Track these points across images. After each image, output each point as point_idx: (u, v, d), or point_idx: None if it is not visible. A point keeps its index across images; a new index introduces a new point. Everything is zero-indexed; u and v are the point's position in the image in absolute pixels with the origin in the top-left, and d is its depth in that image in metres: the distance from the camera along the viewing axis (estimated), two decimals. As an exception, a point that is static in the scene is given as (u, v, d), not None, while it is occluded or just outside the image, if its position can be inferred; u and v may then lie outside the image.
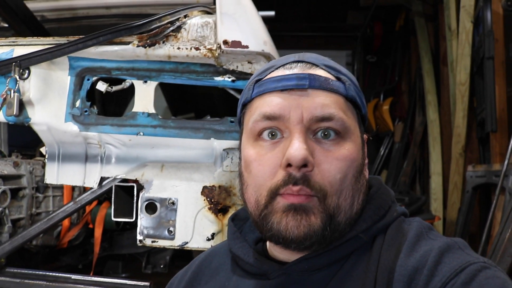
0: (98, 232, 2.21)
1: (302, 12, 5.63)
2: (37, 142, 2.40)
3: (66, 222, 2.21)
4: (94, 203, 2.26)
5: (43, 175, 2.01)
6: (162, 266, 2.35)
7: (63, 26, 2.40)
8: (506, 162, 2.98)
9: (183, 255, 2.84)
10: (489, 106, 3.35)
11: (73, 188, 2.23)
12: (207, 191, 1.52)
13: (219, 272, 0.84)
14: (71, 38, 1.52)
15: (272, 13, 1.64)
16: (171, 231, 1.53)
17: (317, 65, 0.76)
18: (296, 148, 0.69)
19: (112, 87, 1.57)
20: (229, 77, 1.53)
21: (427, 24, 4.73)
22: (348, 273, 0.73)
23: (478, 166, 3.62)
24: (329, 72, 0.76)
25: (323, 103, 0.72)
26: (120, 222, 2.26)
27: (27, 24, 2.09)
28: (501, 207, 3.04)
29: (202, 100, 3.11)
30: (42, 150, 2.31)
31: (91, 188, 1.65)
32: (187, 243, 1.52)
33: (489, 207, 3.15)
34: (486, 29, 3.38)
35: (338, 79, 0.76)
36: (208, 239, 1.51)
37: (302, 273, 0.74)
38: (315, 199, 0.70)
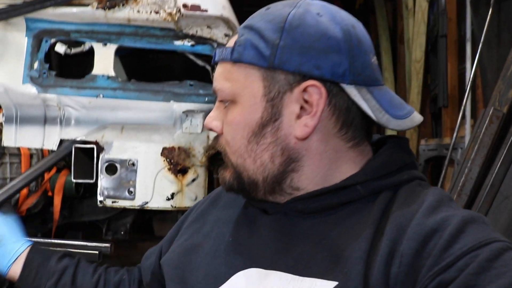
0: (57, 200, 2.21)
1: (264, -11, 5.66)
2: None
3: (24, 190, 2.20)
4: (53, 170, 2.26)
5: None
6: (122, 233, 2.37)
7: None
8: (455, 135, 3.13)
9: (143, 223, 2.88)
10: (442, 82, 3.49)
11: (31, 155, 2.21)
12: (166, 152, 1.56)
13: (233, 205, 0.89)
14: (28, -1, 1.51)
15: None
16: (131, 192, 1.57)
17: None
18: (207, 116, 0.82)
19: (71, 49, 1.57)
20: (188, 41, 1.56)
21: (386, 3, 4.85)
22: (341, 220, 0.74)
23: (430, 140, 3.79)
24: (238, 36, 0.78)
25: (215, 77, 0.80)
26: (80, 189, 2.26)
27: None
28: (449, 178, 3.21)
29: (163, 73, 3.11)
30: (-2, 117, 2.27)
31: (50, 154, 1.66)
32: (147, 203, 1.56)
33: (439, 178, 3.32)
34: (440, 8, 3.51)
35: (236, 42, 0.78)
36: (168, 199, 1.56)
37: (297, 214, 0.77)
38: (226, 156, 0.80)
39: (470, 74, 3.02)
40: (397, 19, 4.63)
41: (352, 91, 0.74)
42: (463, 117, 3.05)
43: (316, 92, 0.74)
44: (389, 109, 0.76)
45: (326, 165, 0.77)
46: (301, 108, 0.75)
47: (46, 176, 2.27)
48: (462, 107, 3.03)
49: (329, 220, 0.75)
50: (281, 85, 0.75)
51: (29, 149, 2.15)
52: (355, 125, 0.77)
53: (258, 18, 0.78)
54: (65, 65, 1.68)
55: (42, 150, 2.21)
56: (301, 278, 0.71)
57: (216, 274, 0.79)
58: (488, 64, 3.07)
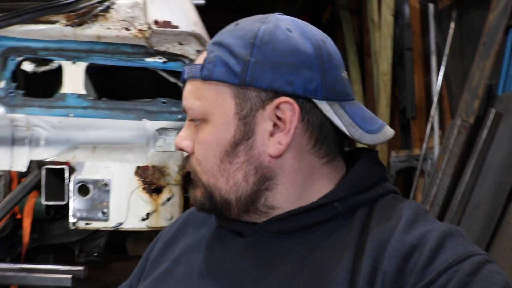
0: (27, 223, 2.14)
1: (231, 4, 5.70)
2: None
3: (-10, 213, 2.12)
4: (21, 192, 2.19)
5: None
6: (96, 255, 2.31)
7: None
8: (424, 146, 3.20)
9: (117, 243, 2.81)
10: (409, 94, 3.56)
11: (-3, 177, 2.14)
12: (140, 172, 1.53)
13: (204, 226, 0.86)
14: (-7, 17, 1.47)
15: (202, 1, 1.66)
16: (105, 213, 1.52)
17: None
18: (177, 136, 0.80)
19: (39, 68, 1.53)
20: (160, 59, 1.55)
21: (352, 17, 4.95)
22: (320, 240, 0.73)
23: (400, 151, 3.86)
24: (208, 53, 0.76)
25: (184, 95, 0.78)
26: (51, 211, 2.20)
27: None
28: (421, 189, 3.27)
29: (132, 91, 3.08)
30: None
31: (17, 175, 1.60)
32: (121, 224, 1.52)
33: (411, 190, 3.37)
34: (405, 22, 3.60)
35: (205, 60, 0.76)
36: (143, 219, 1.53)
37: (273, 235, 0.75)
38: (197, 176, 0.78)
39: (436, 85, 3.10)
40: (363, 33, 4.73)
41: (325, 107, 0.73)
42: (432, 128, 3.12)
43: (289, 109, 0.72)
44: (362, 123, 0.75)
45: (301, 183, 0.76)
46: (274, 125, 0.73)
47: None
48: (430, 119, 3.11)
49: (308, 240, 0.73)
50: (253, 102, 0.73)
51: (-5, 171, 2.09)
52: (328, 141, 0.76)
53: (227, 34, 0.76)
54: (32, 84, 1.63)
55: (9, 172, 2.14)
56: None
57: None
58: (453, 75, 3.17)
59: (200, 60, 0.77)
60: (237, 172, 0.74)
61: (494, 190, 1.85)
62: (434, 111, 3.08)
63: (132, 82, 3.29)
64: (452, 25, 2.95)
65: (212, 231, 0.83)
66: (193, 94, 0.76)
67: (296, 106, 0.72)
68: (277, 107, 0.73)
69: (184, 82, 0.79)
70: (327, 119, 0.74)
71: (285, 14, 0.81)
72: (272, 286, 0.71)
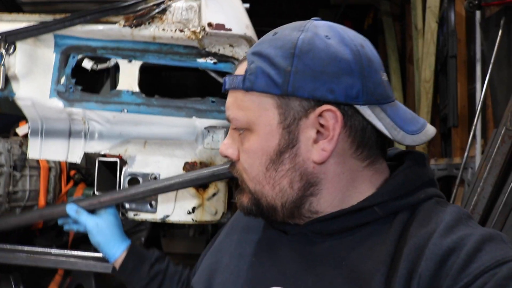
0: (74, 213, 2.24)
1: (274, 8, 5.75)
2: (8, 128, 2.41)
3: (42, 201, 2.23)
4: (70, 183, 2.29)
5: (21, 153, 2.03)
6: (137, 247, 2.39)
7: (38, 9, 2.41)
8: (465, 155, 3.15)
9: (157, 236, 2.89)
10: (451, 102, 3.52)
11: (49, 168, 2.25)
12: (188, 167, 1.58)
13: (256, 222, 0.91)
14: (57, 16, 1.56)
15: (247, 5, 1.71)
16: (153, 205, 1.59)
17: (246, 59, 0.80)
18: (222, 143, 0.84)
19: (97, 65, 1.61)
20: (211, 59, 1.60)
21: (395, 23, 4.91)
22: (359, 242, 0.75)
23: (440, 159, 3.81)
24: (248, 64, 0.78)
25: (227, 105, 0.81)
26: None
27: (4, 4, 2.09)
28: (460, 198, 3.22)
29: (176, 90, 3.16)
30: (18, 130, 2.31)
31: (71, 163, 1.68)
32: (168, 216, 1.59)
33: (450, 198, 3.33)
34: (449, 29, 3.56)
35: (246, 71, 0.78)
36: (189, 213, 1.58)
37: (315, 235, 0.78)
38: (244, 183, 0.82)
39: (480, 94, 3.05)
40: (406, 39, 4.69)
41: (367, 112, 0.75)
42: (474, 137, 3.07)
43: (331, 117, 0.74)
44: (403, 125, 0.76)
45: (344, 187, 0.78)
46: (318, 132, 0.76)
47: (64, 189, 2.30)
48: (473, 127, 3.06)
49: (348, 242, 0.76)
50: (296, 112, 0.75)
51: (47, 162, 2.20)
52: (370, 144, 0.78)
53: (266, 44, 0.77)
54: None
55: (60, 163, 2.25)
56: None
57: None
58: (498, 84, 3.11)
59: (241, 70, 0.79)
60: (283, 179, 0.77)
61: (537, 201, 1.82)
62: (477, 119, 3.03)
63: (175, 82, 3.37)
64: (500, 32, 2.90)
65: (262, 230, 0.89)
66: (236, 105, 0.79)
67: (338, 113, 0.74)
68: (320, 115, 0.75)
69: (226, 92, 0.82)
70: (369, 123, 0.75)
71: (328, 20, 0.83)
72: (310, 282, 0.75)
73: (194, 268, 1.05)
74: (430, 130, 0.79)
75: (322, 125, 0.75)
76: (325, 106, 0.74)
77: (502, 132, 2.22)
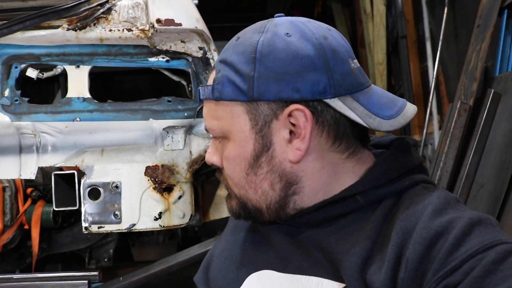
0: (35, 232, 2.14)
1: (223, 3, 5.69)
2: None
3: (-2, 225, 2.11)
4: (28, 202, 2.18)
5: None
6: (106, 260, 2.31)
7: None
8: (424, 132, 3.22)
9: (127, 246, 2.81)
10: (406, 82, 3.58)
11: (3, 188, 2.13)
12: (150, 171, 1.53)
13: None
14: (-6, 26, 1.46)
15: (195, 1, 1.67)
16: (117, 215, 1.52)
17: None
18: (207, 152, 0.85)
19: (43, 74, 1.53)
20: (163, 58, 1.55)
21: (344, 9, 4.96)
22: (340, 228, 0.75)
23: (399, 139, 3.88)
24: (216, 73, 0.78)
25: (204, 116, 0.82)
26: (58, 219, 2.20)
27: None
28: (423, 174, 3.29)
29: (128, 95, 3.08)
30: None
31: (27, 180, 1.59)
32: (134, 225, 1.53)
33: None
34: (397, 10, 3.62)
35: (214, 80, 0.78)
36: (156, 219, 1.53)
37: (303, 226, 0.80)
38: (229, 188, 0.84)
39: (433, 71, 3.11)
40: (355, 24, 4.74)
41: (338, 104, 0.73)
42: (430, 113, 3.14)
43: (301, 116, 0.74)
44: (379, 111, 0.75)
45: (326, 181, 0.78)
46: (291, 132, 0.75)
47: (21, 208, 2.19)
48: (429, 104, 3.12)
49: (330, 229, 0.77)
50: (266, 115, 0.75)
51: (1, 181, 2.08)
52: (347, 136, 0.77)
53: (230, 50, 0.77)
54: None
55: (15, 182, 2.13)
56: (307, 277, 0.74)
57: (233, 277, 0.83)
58: (449, 60, 3.18)
59: (211, 80, 0.80)
60: (263, 182, 0.78)
61: (497, 169, 1.86)
62: (432, 96, 3.09)
63: (129, 86, 3.28)
64: (445, 10, 2.97)
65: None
66: (210, 115, 0.80)
67: (307, 111, 0.73)
68: (290, 115, 0.74)
69: (202, 102, 0.82)
70: (342, 115, 0.74)
71: (277, 10, 0.82)
72: (296, 262, 0.77)
73: None
74: (410, 111, 0.78)
75: (293, 125, 0.75)
76: (293, 106, 0.74)
77: (458, 105, 2.26)
